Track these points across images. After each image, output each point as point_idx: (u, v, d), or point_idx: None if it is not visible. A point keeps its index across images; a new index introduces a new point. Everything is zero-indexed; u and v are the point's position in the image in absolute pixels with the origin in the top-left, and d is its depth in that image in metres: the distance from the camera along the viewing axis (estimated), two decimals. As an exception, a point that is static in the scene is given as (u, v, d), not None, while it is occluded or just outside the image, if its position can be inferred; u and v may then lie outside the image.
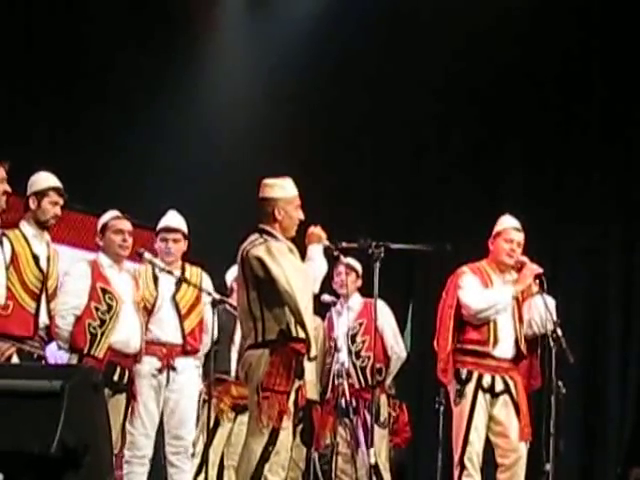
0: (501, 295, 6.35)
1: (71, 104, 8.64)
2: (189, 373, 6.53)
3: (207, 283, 6.68)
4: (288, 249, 5.53)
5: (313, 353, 5.45)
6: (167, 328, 6.51)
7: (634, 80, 9.33)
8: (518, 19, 9.46)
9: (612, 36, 9.45)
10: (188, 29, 9.60)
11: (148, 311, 6.48)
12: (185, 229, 6.70)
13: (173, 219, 6.71)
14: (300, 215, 5.65)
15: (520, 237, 6.47)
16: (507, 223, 6.52)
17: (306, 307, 5.40)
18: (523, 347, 6.41)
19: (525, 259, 6.44)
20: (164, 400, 6.47)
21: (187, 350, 6.52)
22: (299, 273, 5.45)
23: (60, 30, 8.61)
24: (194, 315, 6.56)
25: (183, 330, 6.51)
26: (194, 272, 6.68)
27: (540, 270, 6.38)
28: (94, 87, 8.82)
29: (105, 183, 8.55)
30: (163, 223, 6.70)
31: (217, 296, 6.25)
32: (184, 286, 6.53)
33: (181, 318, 6.53)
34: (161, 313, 6.52)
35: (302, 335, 5.42)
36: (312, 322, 5.49)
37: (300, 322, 5.38)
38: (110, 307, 6.16)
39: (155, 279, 6.55)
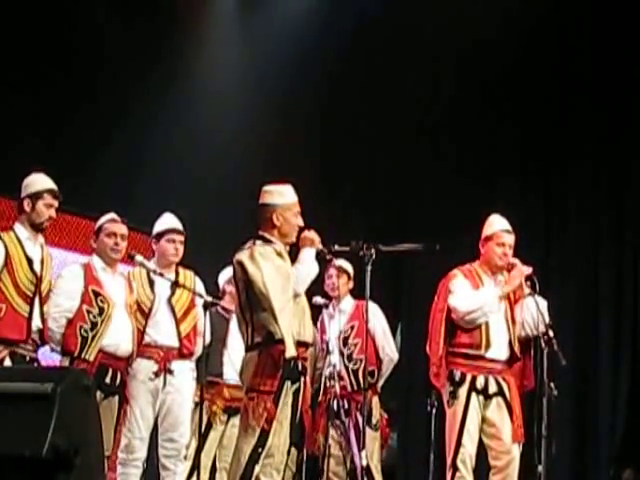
0: (487, 297, 6.35)
1: (63, 106, 8.61)
2: (185, 376, 6.53)
3: (199, 287, 6.69)
4: (276, 253, 5.58)
5: (289, 354, 5.44)
6: (164, 331, 6.50)
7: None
8: (518, 21, 9.47)
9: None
10: (179, 29, 9.58)
11: (145, 314, 6.48)
12: None
13: (175, 221, 6.71)
14: (300, 222, 5.72)
15: (511, 239, 6.48)
16: (498, 226, 6.52)
17: (282, 308, 5.43)
18: (517, 349, 6.41)
19: (516, 260, 6.44)
20: (159, 403, 6.47)
21: (183, 353, 6.52)
22: (279, 275, 5.49)
23: (50, 30, 8.59)
24: (190, 318, 6.56)
25: (179, 333, 6.51)
26: (187, 275, 6.68)
27: (529, 271, 6.38)
28: (86, 88, 8.79)
29: (97, 186, 8.53)
30: (168, 225, 6.68)
31: (208, 298, 6.26)
32: (179, 289, 6.52)
33: (177, 321, 6.52)
34: (158, 316, 6.51)
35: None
36: (291, 323, 5.49)
37: (276, 323, 5.41)
38: (102, 310, 6.15)
39: (151, 282, 6.55)
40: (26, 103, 8.38)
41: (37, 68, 8.45)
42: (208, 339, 6.68)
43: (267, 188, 5.71)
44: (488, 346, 6.32)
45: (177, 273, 6.64)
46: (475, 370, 6.32)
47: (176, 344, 6.50)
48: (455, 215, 9.39)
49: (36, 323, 5.91)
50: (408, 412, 9.51)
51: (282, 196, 5.67)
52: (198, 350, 6.52)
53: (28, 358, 5.88)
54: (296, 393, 5.55)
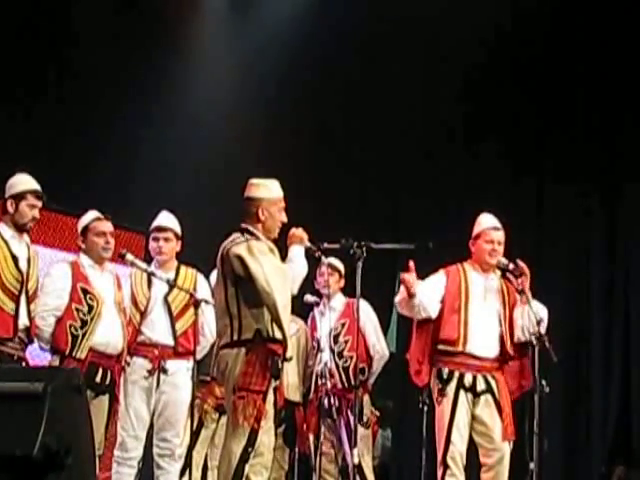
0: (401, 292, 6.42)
1: (50, 104, 8.59)
2: (180, 375, 6.48)
3: (202, 284, 6.65)
4: (269, 249, 5.54)
5: (289, 354, 5.45)
6: (158, 329, 6.48)
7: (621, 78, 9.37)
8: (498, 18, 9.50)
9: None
10: (170, 29, 9.58)
11: (141, 312, 6.46)
12: (177, 229, 6.68)
13: (164, 219, 6.70)
14: (283, 217, 5.67)
15: (500, 236, 6.48)
16: (486, 223, 6.53)
17: (284, 307, 5.40)
18: (509, 347, 6.39)
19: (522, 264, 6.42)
20: (154, 401, 6.44)
21: (179, 352, 6.48)
22: (278, 273, 5.45)
23: (42, 29, 8.57)
24: (187, 316, 6.49)
25: (175, 331, 6.48)
26: (189, 273, 6.66)
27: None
28: (74, 87, 8.77)
29: (84, 184, 8.49)
30: (154, 224, 6.68)
31: (200, 297, 6.21)
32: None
33: (173, 319, 6.49)
34: (153, 314, 6.50)
35: (279, 335, 5.43)
36: (289, 322, 5.49)
37: (277, 322, 5.38)
38: (91, 308, 6.11)
39: (149, 281, 6.53)
40: (18, 103, 8.36)
41: (26, 67, 8.41)
42: (210, 337, 6.65)
43: (254, 181, 5.66)
44: (465, 342, 6.30)
45: (178, 271, 6.62)
46: (462, 367, 6.31)
47: (171, 342, 6.47)
48: (446, 216, 9.43)
49: (23, 321, 5.86)
50: (402, 410, 9.51)
51: (269, 190, 5.63)
52: (202, 349, 6.48)
53: (16, 357, 5.84)
54: (275, 390, 5.51)
